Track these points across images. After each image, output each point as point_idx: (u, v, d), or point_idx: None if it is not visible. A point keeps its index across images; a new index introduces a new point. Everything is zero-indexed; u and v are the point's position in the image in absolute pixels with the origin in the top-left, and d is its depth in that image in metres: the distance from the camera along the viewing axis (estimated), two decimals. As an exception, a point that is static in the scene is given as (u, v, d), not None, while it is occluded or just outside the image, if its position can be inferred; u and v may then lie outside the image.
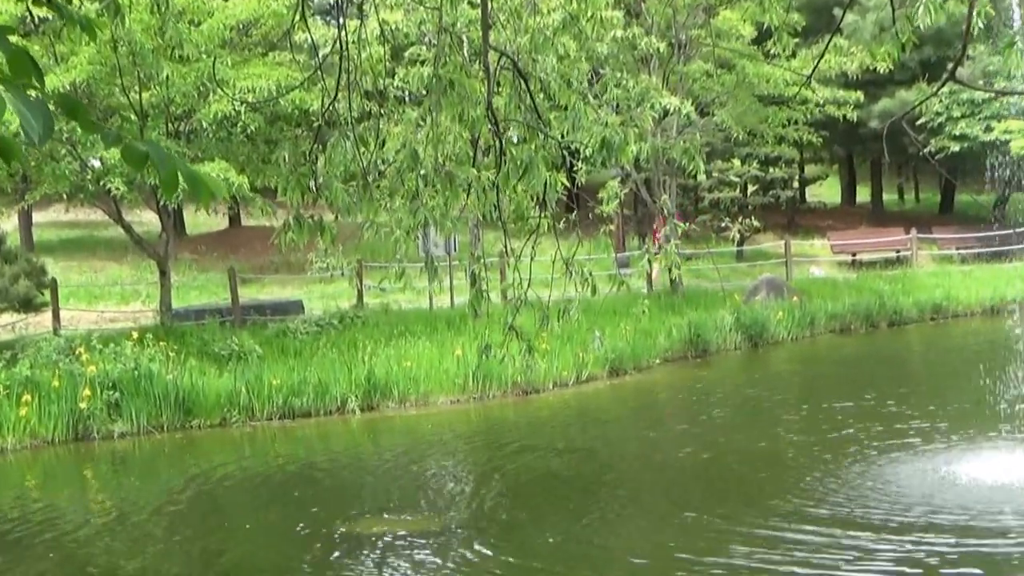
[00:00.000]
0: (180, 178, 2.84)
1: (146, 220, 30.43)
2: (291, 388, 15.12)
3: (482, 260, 6.79)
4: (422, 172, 6.03)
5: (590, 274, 6.29)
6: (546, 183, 5.90)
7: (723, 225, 32.21)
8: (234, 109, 17.32)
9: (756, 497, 9.66)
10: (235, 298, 20.43)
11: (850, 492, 9.64)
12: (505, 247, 6.37)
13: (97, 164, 16.85)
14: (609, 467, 11.52)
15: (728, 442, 12.28)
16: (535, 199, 6.29)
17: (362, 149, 5.97)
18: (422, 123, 6.44)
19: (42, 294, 19.00)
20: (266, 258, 30.55)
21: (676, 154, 7.77)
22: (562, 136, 6.18)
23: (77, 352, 14.88)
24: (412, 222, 5.94)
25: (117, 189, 16.68)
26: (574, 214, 6.75)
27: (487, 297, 6.42)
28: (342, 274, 18.80)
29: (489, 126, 5.93)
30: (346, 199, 5.91)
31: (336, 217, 6.15)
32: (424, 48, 19.25)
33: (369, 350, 16.62)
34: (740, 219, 30.80)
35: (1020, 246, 28.92)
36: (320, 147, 6.03)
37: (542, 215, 6.27)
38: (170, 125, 18.44)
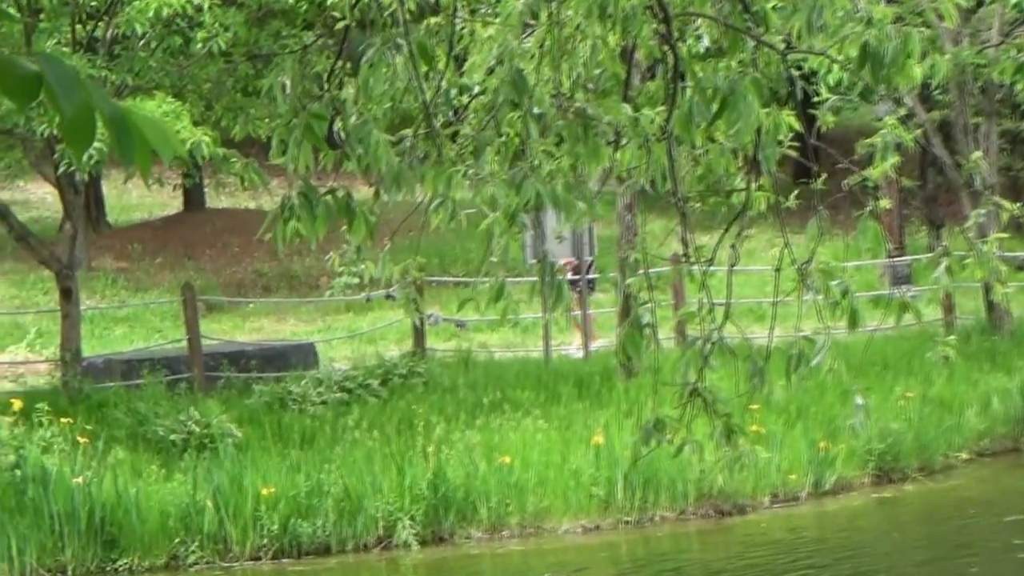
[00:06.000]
0: (98, 122, 2.82)
1: (36, 197, 30.98)
2: (295, 503, 15.20)
3: (641, 269, 6.79)
4: (534, 111, 6.06)
5: (843, 293, 6.22)
6: (760, 128, 5.89)
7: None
8: (191, 2, 17.49)
9: None
10: (195, 339, 20.61)
11: None
12: (684, 244, 6.36)
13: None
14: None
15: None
16: (740, 158, 6.28)
17: (424, 70, 6.02)
18: (532, 22, 6.47)
19: None
20: (249, 266, 30.81)
21: (1000, 75, 7.69)
22: (788, 44, 6.16)
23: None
24: (516, 201, 5.95)
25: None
26: (818, 182, 6.56)
27: (653, 337, 6.40)
28: (388, 296, 18.86)
29: (654, 26, 5.94)
30: (395, 161, 5.96)
31: (377, 193, 6.19)
32: None
33: (437, 434, 16.65)
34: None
35: None
36: (349, 67, 6.09)
37: (753, 186, 6.25)
38: (79, 28, 18.69)
